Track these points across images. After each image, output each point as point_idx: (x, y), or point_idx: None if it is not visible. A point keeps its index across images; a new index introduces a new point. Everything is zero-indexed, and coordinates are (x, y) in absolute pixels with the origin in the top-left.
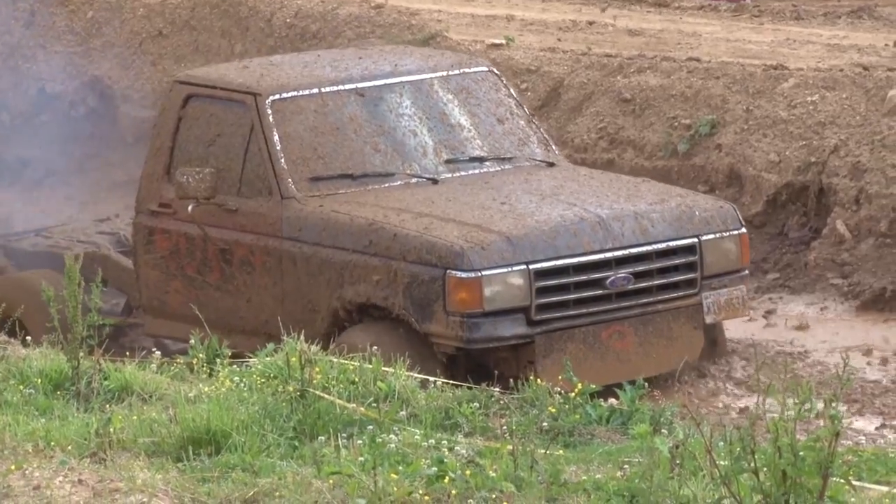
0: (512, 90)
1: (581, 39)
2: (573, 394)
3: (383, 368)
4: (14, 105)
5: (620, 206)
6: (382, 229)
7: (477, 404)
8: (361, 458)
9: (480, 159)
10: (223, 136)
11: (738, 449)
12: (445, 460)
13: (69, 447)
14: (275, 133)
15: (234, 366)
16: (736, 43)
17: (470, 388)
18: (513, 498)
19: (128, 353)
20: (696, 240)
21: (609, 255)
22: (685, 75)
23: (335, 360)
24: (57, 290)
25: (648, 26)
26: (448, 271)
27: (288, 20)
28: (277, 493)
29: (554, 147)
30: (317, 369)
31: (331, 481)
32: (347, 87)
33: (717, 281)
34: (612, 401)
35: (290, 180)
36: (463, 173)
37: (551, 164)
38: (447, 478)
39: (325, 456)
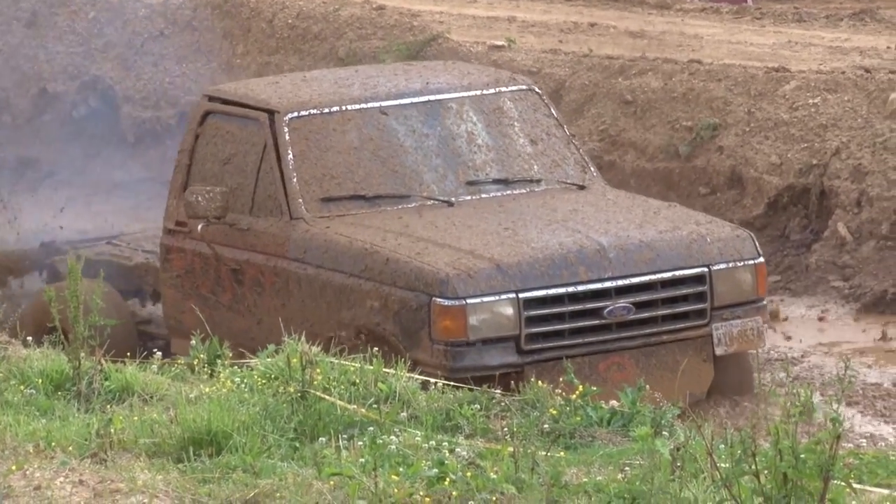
0: (553, 109)
1: (582, 41)
2: (574, 396)
3: (384, 370)
4: (16, 105)
5: (626, 234)
6: (377, 253)
7: (478, 406)
8: (362, 460)
9: (504, 181)
10: (238, 155)
11: (739, 451)
12: (446, 462)
13: (70, 448)
14: (289, 152)
15: (235, 367)
16: (738, 45)
17: (471, 389)
18: (513, 500)
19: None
20: (705, 269)
21: (607, 284)
22: (686, 77)
23: (336, 361)
24: (108, 300)
25: (650, 28)
26: (433, 298)
27: (290, 21)
28: (278, 495)
29: (593, 169)
30: (317, 370)
31: (331, 482)
32: (371, 105)
33: (729, 312)
34: (613, 403)
35: (300, 200)
36: (484, 196)
37: (581, 187)
38: (448, 479)
39: (326, 457)
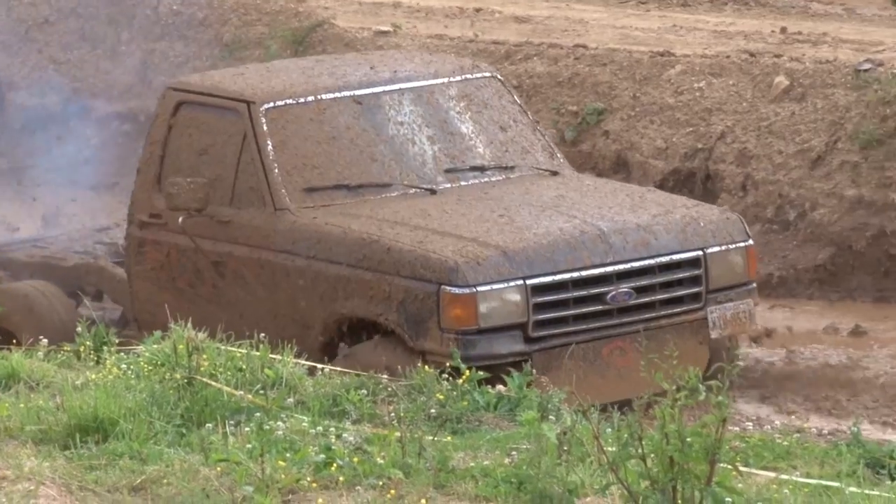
0: (516, 96)
1: (468, 26)
2: (461, 381)
3: (270, 356)
4: None
5: (623, 218)
6: (376, 243)
7: (364, 391)
8: (249, 446)
9: (481, 168)
10: (215, 146)
11: (626, 435)
12: (333, 447)
13: None
14: (268, 142)
15: (122, 353)
16: (623, 30)
17: (358, 375)
18: (401, 484)
19: None
20: (700, 253)
21: (610, 269)
22: (572, 62)
23: (222, 347)
24: (51, 301)
25: (535, 13)
26: (442, 287)
27: (175, 7)
28: (165, 481)
29: (559, 155)
30: (204, 356)
31: (218, 468)
32: (344, 94)
33: (722, 295)
34: (500, 387)
35: (283, 191)
36: (463, 183)
37: (555, 173)
38: (335, 465)
39: (213, 443)
